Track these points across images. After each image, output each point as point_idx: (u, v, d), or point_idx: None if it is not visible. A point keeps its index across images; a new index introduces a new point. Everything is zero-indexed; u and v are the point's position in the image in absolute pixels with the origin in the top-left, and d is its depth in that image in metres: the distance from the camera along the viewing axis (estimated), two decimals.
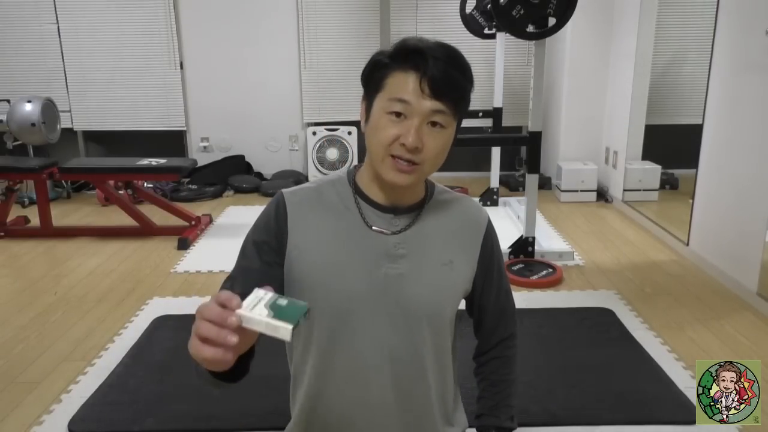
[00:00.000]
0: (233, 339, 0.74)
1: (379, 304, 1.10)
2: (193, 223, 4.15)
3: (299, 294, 1.12)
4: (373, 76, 1.06)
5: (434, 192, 1.19)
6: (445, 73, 1.01)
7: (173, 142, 5.62)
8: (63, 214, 4.59)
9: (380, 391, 1.13)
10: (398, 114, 1.02)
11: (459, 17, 4.57)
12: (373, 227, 1.11)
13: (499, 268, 1.24)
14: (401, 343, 1.12)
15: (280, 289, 1.12)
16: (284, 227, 1.11)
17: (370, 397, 1.13)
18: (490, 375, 1.27)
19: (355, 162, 5.31)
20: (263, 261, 1.11)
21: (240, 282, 1.08)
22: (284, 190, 1.16)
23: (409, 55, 1.02)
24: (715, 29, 3.28)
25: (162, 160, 4.09)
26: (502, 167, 4.82)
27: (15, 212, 4.41)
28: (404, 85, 1.01)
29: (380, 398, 1.13)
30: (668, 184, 4.68)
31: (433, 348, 1.15)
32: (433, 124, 1.03)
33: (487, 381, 1.27)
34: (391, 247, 1.11)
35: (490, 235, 1.21)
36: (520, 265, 3.33)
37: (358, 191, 1.14)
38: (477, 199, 4.68)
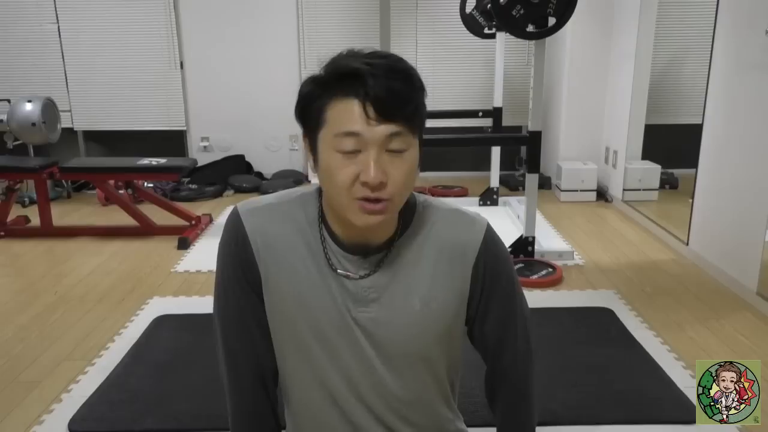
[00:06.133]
0: None
1: (350, 350, 1.03)
2: (193, 222, 4.15)
3: (273, 327, 1.07)
4: (309, 111, 0.93)
5: (413, 216, 1.03)
6: (388, 90, 0.87)
7: (173, 141, 5.62)
8: (63, 214, 4.59)
9: (359, 428, 1.08)
10: (351, 150, 0.89)
11: (459, 17, 4.57)
12: (338, 270, 1.00)
13: (503, 293, 1.07)
14: (376, 383, 1.05)
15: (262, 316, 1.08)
16: (251, 254, 1.03)
17: None
18: (503, 419, 1.16)
19: None
20: (243, 306, 1.06)
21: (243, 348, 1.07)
22: (240, 210, 1.03)
23: (343, 78, 0.89)
24: (715, 29, 3.28)
25: (162, 160, 4.09)
26: (502, 167, 4.82)
27: (15, 212, 4.40)
28: (348, 114, 0.88)
29: None
30: (668, 183, 4.68)
31: (414, 385, 1.07)
32: (393, 150, 0.90)
33: (501, 425, 1.17)
34: (360, 291, 1.00)
35: (485, 257, 1.03)
36: (520, 265, 3.33)
37: (324, 222, 1.02)
38: (477, 199, 4.70)
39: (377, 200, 0.90)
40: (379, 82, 0.87)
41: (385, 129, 0.88)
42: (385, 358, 1.03)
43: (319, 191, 1.04)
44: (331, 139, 0.90)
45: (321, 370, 1.05)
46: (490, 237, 1.04)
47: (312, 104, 0.92)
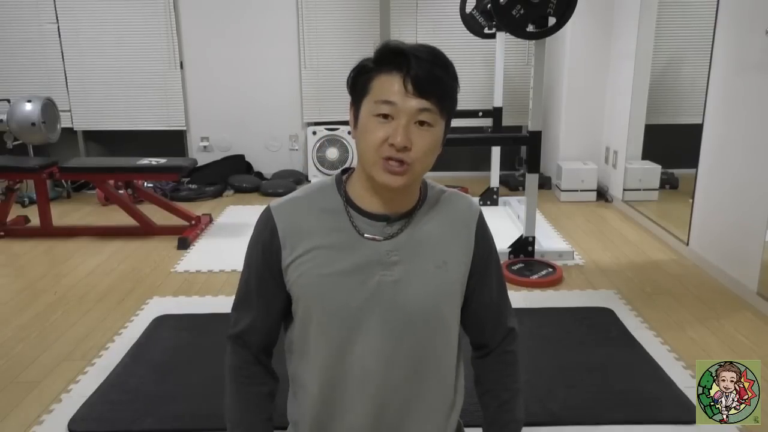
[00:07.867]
0: None
1: (374, 312, 1.10)
2: (193, 222, 4.15)
3: (297, 307, 1.14)
4: (359, 81, 1.08)
5: (427, 194, 1.18)
6: (428, 72, 1.02)
7: (173, 141, 5.62)
8: (63, 214, 4.59)
9: (383, 397, 1.13)
10: (385, 116, 1.03)
11: (459, 17, 4.57)
12: (365, 235, 1.11)
13: (496, 264, 1.23)
14: (400, 347, 1.12)
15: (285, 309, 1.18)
16: (277, 245, 1.12)
17: (373, 404, 1.13)
18: (494, 386, 1.26)
19: (355, 162, 5.30)
20: (268, 297, 1.17)
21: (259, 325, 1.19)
22: (272, 206, 1.16)
23: (392, 56, 1.04)
24: (715, 29, 3.28)
25: (162, 160, 4.09)
26: (502, 167, 4.82)
27: (15, 212, 4.40)
28: (389, 86, 1.03)
29: (383, 404, 1.13)
30: (668, 183, 4.68)
31: (433, 350, 1.15)
32: (421, 123, 1.04)
33: (490, 394, 1.26)
34: (384, 255, 1.11)
35: (482, 230, 1.20)
36: (520, 265, 3.33)
37: (348, 201, 1.14)
38: (477, 199, 4.70)
39: (400, 163, 1.04)
40: (420, 64, 1.02)
41: (417, 103, 1.02)
42: (406, 320, 1.12)
43: (339, 179, 1.17)
44: (372, 105, 1.04)
45: (343, 344, 1.11)
46: (482, 216, 1.24)
47: (362, 75, 1.07)
